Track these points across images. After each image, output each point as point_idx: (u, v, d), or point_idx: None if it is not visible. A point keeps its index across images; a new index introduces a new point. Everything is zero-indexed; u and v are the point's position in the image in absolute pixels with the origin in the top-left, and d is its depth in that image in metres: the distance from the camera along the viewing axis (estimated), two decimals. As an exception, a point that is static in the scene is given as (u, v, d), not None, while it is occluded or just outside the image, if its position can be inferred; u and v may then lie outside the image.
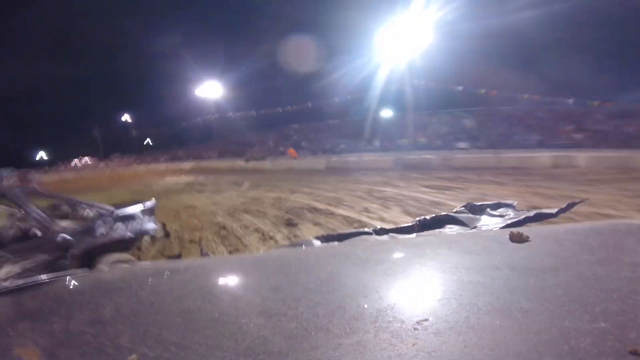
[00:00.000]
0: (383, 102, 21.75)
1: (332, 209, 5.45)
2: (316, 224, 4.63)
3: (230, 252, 3.63)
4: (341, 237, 1.10)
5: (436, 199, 5.44)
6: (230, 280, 0.64)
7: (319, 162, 14.62)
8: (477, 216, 1.28)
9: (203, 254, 1.10)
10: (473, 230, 1.14)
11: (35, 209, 2.12)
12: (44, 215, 2.13)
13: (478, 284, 0.50)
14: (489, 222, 1.19)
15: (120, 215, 2.51)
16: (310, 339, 0.39)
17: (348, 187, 7.53)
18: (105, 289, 0.64)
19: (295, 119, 27.73)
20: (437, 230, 1.17)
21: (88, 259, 2.12)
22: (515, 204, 1.34)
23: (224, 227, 4.83)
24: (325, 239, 1.12)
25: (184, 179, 13.76)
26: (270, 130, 29.14)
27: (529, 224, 1.08)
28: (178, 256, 1.32)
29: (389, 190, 6.77)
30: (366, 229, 1.17)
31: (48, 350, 0.42)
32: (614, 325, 0.37)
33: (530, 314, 0.41)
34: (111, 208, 2.53)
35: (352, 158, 14.17)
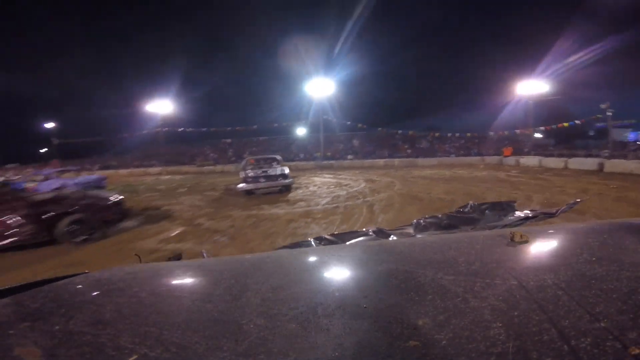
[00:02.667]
0: (304, 128, 34.27)
1: (304, 181, 16.12)
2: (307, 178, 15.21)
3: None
4: (341, 238, 1.17)
5: (334, 179, 14.97)
6: (230, 281, 0.64)
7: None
8: (477, 216, 1.34)
9: (203, 255, 1.22)
10: (473, 230, 1.19)
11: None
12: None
13: (477, 285, 0.51)
14: (489, 222, 1.25)
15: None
16: (310, 339, 0.41)
17: (299, 174, 18.33)
18: (105, 289, 0.66)
19: (228, 136, 36.70)
20: (437, 230, 1.25)
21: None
22: (515, 204, 1.40)
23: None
24: (325, 239, 1.18)
25: (170, 177, 21.54)
26: (204, 144, 37.10)
27: (529, 223, 1.14)
28: (178, 256, 1.10)
29: (317, 174, 17.85)
30: (366, 230, 1.24)
31: (48, 351, 0.43)
32: (614, 325, 0.38)
33: (530, 313, 0.42)
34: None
35: (288, 164, 25.04)
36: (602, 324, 0.39)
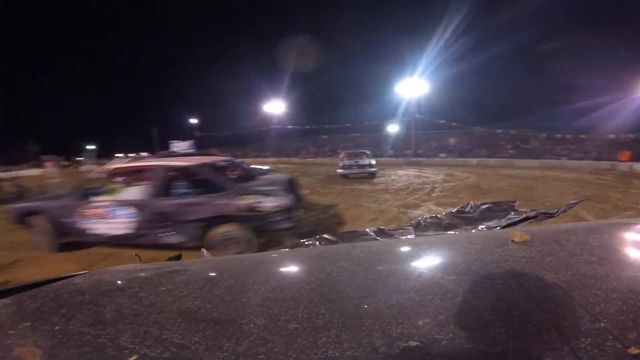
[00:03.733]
0: (395, 125, 36.93)
1: (388, 172, 19.20)
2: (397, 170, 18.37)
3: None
4: (341, 238, 1.20)
5: (416, 172, 17.48)
6: (230, 280, 0.66)
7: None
8: (477, 216, 1.38)
9: (203, 255, 1.21)
10: (473, 230, 1.22)
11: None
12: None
13: (478, 285, 0.53)
14: (489, 222, 1.29)
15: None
16: (310, 339, 0.42)
17: (385, 168, 21.34)
18: (105, 289, 0.67)
19: (326, 132, 41.88)
20: (438, 230, 1.28)
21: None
22: (515, 203, 1.44)
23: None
24: (325, 239, 1.20)
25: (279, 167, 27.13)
26: (305, 139, 43.16)
27: (529, 223, 1.18)
28: (178, 256, 1.11)
29: (403, 168, 20.53)
30: (366, 230, 1.28)
31: (48, 351, 0.44)
32: (614, 325, 0.39)
33: (530, 313, 0.43)
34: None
35: (376, 159, 28.10)
36: (602, 324, 0.39)
